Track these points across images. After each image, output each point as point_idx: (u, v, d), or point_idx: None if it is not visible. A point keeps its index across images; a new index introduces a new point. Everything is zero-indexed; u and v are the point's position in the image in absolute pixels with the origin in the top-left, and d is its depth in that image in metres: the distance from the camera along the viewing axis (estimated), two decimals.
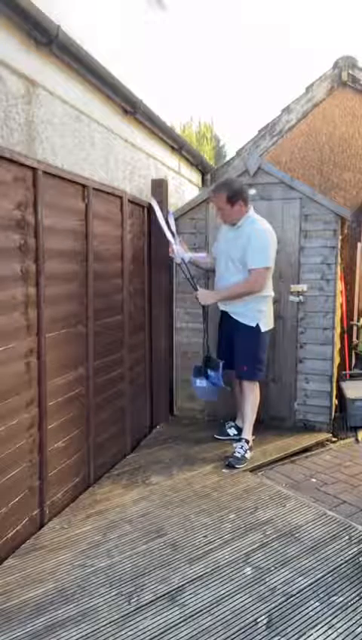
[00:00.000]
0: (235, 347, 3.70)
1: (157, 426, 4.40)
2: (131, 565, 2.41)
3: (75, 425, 3.10)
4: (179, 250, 3.81)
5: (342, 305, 4.98)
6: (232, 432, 3.99)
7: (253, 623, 2.03)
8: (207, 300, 3.75)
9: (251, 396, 3.73)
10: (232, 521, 2.80)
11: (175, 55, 7.58)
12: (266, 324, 3.71)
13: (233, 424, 4.05)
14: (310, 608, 2.11)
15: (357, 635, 1.97)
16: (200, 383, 3.77)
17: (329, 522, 2.78)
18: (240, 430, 3.94)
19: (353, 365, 5.46)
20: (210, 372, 3.73)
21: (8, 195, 2.41)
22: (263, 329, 3.68)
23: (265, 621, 2.05)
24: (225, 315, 3.80)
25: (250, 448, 3.68)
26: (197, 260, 3.96)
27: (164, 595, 2.20)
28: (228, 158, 7.65)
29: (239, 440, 3.71)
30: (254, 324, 3.64)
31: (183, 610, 2.11)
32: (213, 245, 4.04)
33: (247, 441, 3.68)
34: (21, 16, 2.85)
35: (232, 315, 3.70)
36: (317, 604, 2.14)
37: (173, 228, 3.92)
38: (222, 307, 3.80)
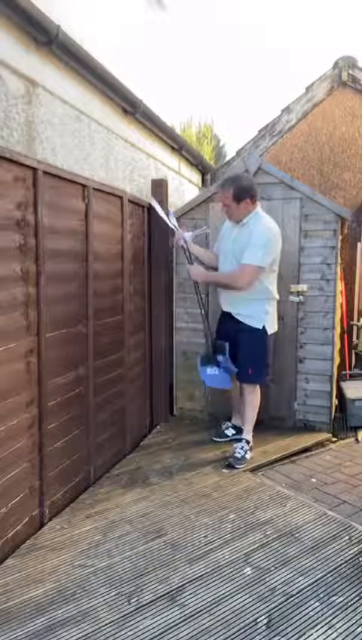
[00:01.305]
0: (240, 349, 3.61)
1: (157, 426, 4.40)
2: (131, 565, 2.41)
3: (75, 425, 3.10)
4: (180, 233, 3.78)
5: (342, 305, 4.98)
6: (230, 432, 3.96)
7: (253, 623, 2.03)
8: (197, 276, 3.70)
9: (252, 398, 3.69)
10: (232, 521, 2.80)
11: (175, 55, 7.57)
12: (271, 326, 3.67)
13: (230, 424, 4.02)
14: (310, 608, 2.11)
15: (357, 635, 1.97)
16: (212, 371, 3.63)
17: (329, 522, 2.78)
18: (237, 429, 3.93)
19: (353, 365, 5.46)
20: (220, 357, 3.61)
21: (8, 195, 2.41)
22: (269, 331, 3.64)
23: (265, 621, 2.04)
24: (227, 317, 3.72)
25: (251, 449, 3.67)
26: (199, 256, 3.90)
27: (164, 595, 2.20)
28: (228, 158, 7.66)
29: (239, 440, 3.70)
30: (261, 326, 3.59)
31: (183, 610, 2.11)
32: (215, 244, 3.99)
33: (248, 442, 3.67)
34: (21, 16, 2.85)
35: (237, 317, 3.63)
36: (317, 604, 2.14)
37: (176, 223, 3.92)
38: (226, 308, 3.72)
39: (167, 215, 3.96)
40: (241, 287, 3.51)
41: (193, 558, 2.47)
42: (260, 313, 3.59)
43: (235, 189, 3.47)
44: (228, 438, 3.93)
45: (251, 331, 3.59)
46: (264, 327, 3.60)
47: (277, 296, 3.74)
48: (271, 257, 3.55)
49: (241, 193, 3.46)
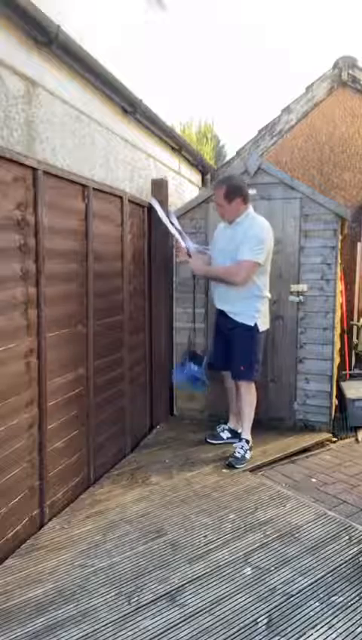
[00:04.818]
0: (233, 347, 3.65)
1: (158, 426, 4.40)
2: (131, 565, 2.41)
3: (75, 425, 3.10)
4: (186, 245, 3.81)
5: (342, 305, 4.98)
6: (226, 435, 3.95)
7: (253, 623, 2.03)
8: (195, 267, 3.75)
9: (248, 396, 3.69)
10: (232, 521, 2.80)
11: (175, 55, 7.57)
12: (263, 323, 3.68)
13: (226, 427, 4.00)
14: (310, 608, 2.11)
15: (357, 635, 1.97)
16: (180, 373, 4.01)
17: (329, 522, 2.78)
18: (233, 433, 3.92)
19: (353, 365, 5.46)
20: (193, 366, 3.92)
21: (8, 195, 2.41)
22: (261, 328, 3.65)
23: (265, 621, 2.04)
24: (221, 315, 3.75)
25: (250, 448, 3.67)
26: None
27: (164, 595, 2.20)
28: (228, 158, 7.66)
29: (239, 440, 3.70)
30: (252, 324, 3.60)
31: (183, 610, 2.11)
32: (211, 245, 3.99)
33: (247, 441, 3.67)
34: (21, 16, 2.84)
35: (229, 315, 3.65)
36: (317, 604, 2.14)
37: (178, 226, 3.91)
38: (219, 306, 3.75)
39: (168, 215, 3.96)
40: (238, 282, 3.52)
41: (193, 558, 2.47)
42: (251, 311, 3.60)
43: (226, 189, 3.52)
44: (222, 441, 3.91)
45: (243, 329, 3.61)
46: (256, 324, 3.61)
47: (269, 295, 3.73)
48: (265, 254, 3.56)
49: (232, 192, 3.50)
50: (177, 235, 3.87)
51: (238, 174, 4.17)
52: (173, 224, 3.90)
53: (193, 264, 3.75)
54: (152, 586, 2.26)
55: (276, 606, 2.13)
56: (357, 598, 2.17)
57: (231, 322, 3.65)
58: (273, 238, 3.65)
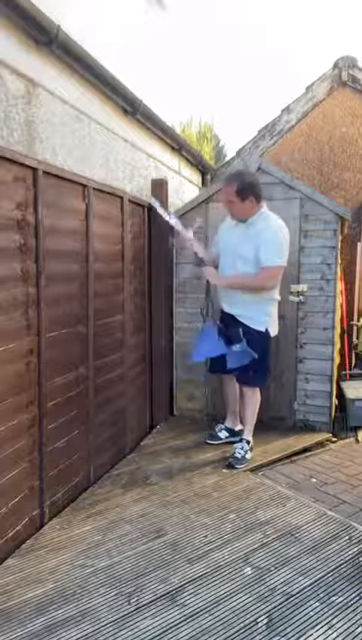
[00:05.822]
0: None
1: (158, 426, 4.40)
2: (131, 565, 2.41)
3: (75, 425, 3.10)
4: (186, 234, 3.71)
5: (342, 305, 4.98)
6: (223, 434, 3.92)
7: (253, 623, 2.03)
8: (213, 278, 3.57)
9: (253, 399, 3.65)
10: (232, 521, 2.80)
11: (175, 55, 7.57)
12: (273, 328, 3.61)
13: (223, 427, 3.97)
14: (310, 608, 2.11)
15: (357, 635, 1.97)
16: (236, 348, 3.46)
17: (329, 522, 2.78)
18: (231, 432, 3.91)
19: (353, 365, 5.46)
20: (237, 346, 3.45)
21: (8, 195, 2.41)
22: (272, 334, 3.58)
23: (265, 621, 2.04)
24: (228, 318, 3.62)
25: (251, 449, 3.66)
26: (203, 256, 3.82)
27: (164, 595, 2.20)
28: (228, 158, 7.67)
29: (240, 440, 3.70)
30: (263, 329, 3.51)
31: (183, 610, 2.11)
32: (214, 240, 3.86)
33: (248, 442, 3.66)
34: (21, 16, 2.85)
35: (239, 319, 3.54)
36: (317, 604, 2.14)
37: (178, 226, 3.86)
38: (227, 309, 3.63)
39: (168, 215, 3.95)
40: (268, 289, 3.50)
41: (193, 558, 2.47)
42: (262, 315, 3.52)
43: (239, 186, 3.35)
44: (221, 441, 3.89)
45: (253, 333, 3.50)
46: (267, 329, 3.53)
47: (279, 297, 3.68)
48: (287, 255, 3.49)
49: (245, 190, 3.35)
50: (167, 218, 3.78)
51: (249, 170, 4.05)
52: (170, 218, 3.83)
53: (209, 275, 3.56)
54: (152, 586, 2.26)
55: (276, 606, 2.13)
56: (357, 598, 2.17)
57: (241, 326, 3.51)
58: (288, 238, 3.53)
